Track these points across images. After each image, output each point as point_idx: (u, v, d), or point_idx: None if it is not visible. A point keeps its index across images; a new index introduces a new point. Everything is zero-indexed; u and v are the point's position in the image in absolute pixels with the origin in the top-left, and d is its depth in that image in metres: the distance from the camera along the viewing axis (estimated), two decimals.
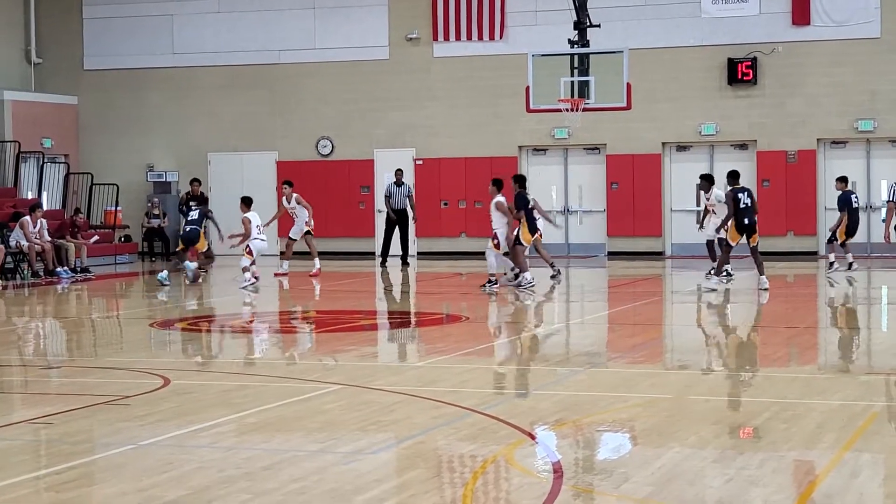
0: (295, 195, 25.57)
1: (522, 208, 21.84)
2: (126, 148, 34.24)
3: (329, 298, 21.99)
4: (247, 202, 24.18)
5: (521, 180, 22.63)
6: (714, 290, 20.69)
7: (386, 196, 29.11)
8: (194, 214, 24.45)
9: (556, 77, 23.83)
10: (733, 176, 21.24)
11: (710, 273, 21.57)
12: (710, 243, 23.82)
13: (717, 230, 22.25)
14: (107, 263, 30.17)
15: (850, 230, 25.10)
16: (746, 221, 20.50)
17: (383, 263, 28.59)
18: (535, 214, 22.51)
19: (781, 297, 20.98)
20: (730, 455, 8.31)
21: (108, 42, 34.46)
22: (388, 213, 28.98)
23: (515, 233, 21.71)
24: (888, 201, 17.20)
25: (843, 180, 25.62)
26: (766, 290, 20.41)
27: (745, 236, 20.57)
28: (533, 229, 22.11)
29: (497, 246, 21.77)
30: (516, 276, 21.92)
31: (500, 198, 22.01)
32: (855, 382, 11.50)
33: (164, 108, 34.13)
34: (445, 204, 31.51)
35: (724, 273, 22.14)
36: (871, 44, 29.59)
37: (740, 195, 20.60)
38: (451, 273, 26.41)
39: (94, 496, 7.54)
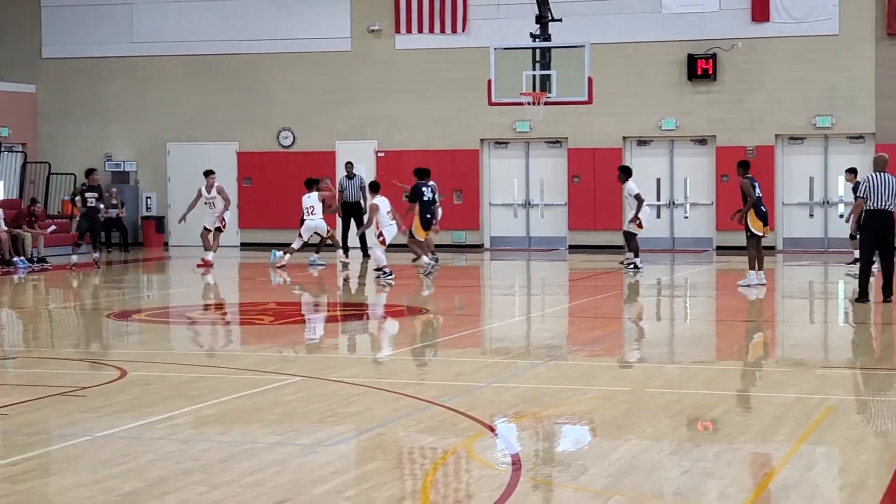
0: (217, 185, 25.62)
1: (416, 200, 22.73)
2: (84, 137, 34.02)
3: (289, 290, 21.93)
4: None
5: (420, 174, 23.43)
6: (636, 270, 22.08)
7: (339, 190, 28.99)
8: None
9: (518, 70, 23.86)
10: (743, 166, 21.00)
11: (624, 262, 23.14)
12: (627, 234, 24.42)
13: (632, 221, 23.43)
14: (64, 254, 29.94)
15: None
16: (763, 209, 20.61)
17: (345, 256, 28.51)
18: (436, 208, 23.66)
19: (739, 292, 21.09)
20: (686, 447, 8.35)
21: (66, 30, 34.22)
22: (340, 206, 28.81)
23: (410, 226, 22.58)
24: (857, 197, 17.34)
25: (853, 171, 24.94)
26: (749, 286, 20.51)
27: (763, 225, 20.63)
28: (426, 224, 22.78)
29: (382, 242, 22.46)
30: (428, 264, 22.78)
31: (375, 200, 22.64)
32: (811, 376, 11.58)
33: (124, 98, 33.93)
34: (407, 196, 31.46)
35: (631, 264, 23.54)
36: (830, 40, 29.77)
37: (754, 183, 20.56)
38: (411, 265, 26.37)
39: (49, 487, 7.50)
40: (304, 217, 25.10)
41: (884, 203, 17.00)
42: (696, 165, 31.02)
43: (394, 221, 22.77)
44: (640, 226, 24.06)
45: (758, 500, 7.11)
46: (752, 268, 20.55)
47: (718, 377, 11.63)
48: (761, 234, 20.58)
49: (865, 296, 17.24)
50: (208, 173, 26.19)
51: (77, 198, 25.75)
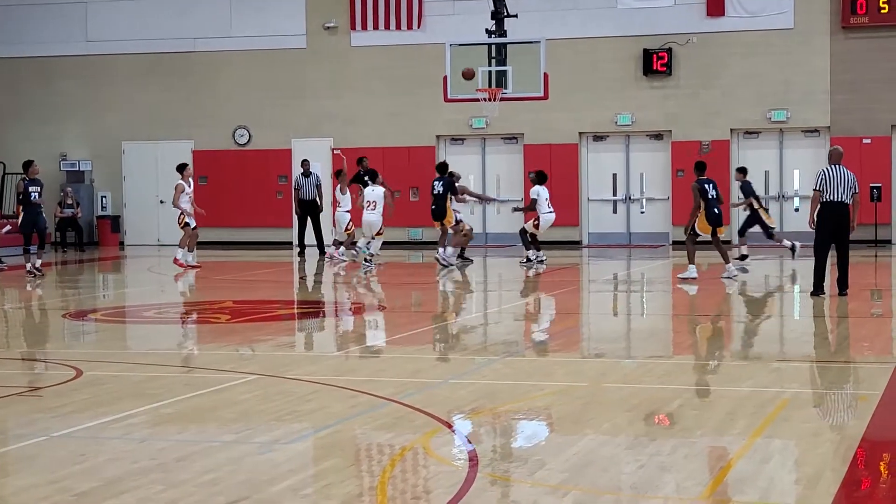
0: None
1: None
2: (39, 137, 33.80)
3: (246, 288, 21.87)
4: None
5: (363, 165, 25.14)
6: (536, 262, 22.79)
7: (295, 188, 28.93)
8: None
9: (473, 67, 23.89)
10: (699, 167, 21.02)
11: (525, 260, 23.89)
12: (523, 231, 24.87)
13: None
14: (19, 254, 29.73)
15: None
16: (716, 211, 20.59)
17: (301, 254, 28.47)
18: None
19: (694, 286, 21.20)
20: (643, 442, 8.39)
21: (18, 29, 33.97)
22: (296, 205, 28.74)
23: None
24: (814, 190, 17.42)
25: (743, 171, 25.20)
26: (731, 277, 20.64)
27: (713, 227, 20.61)
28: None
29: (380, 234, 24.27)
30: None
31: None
32: (766, 370, 11.65)
33: (78, 97, 33.73)
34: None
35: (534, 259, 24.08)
36: (785, 35, 29.96)
37: (707, 186, 20.60)
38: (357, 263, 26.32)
39: (5, 488, 7.45)
40: (365, 210, 24.19)
41: (839, 195, 17.13)
42: (652, 160, 31.15)
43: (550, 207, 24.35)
44: (537, 227, 24.50)
45: (714, 493, 7.15)
46: (691, 262, 20.65)
47: (674, 371, 11.69)
48: (706, 235, 20.74)
49: (821, 289, 17.34)
50: (184, 167, 25.31)
51: (21, 196, 24.74)
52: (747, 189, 24.39)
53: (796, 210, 29.52)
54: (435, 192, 24.17)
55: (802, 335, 14.82)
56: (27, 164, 24.08)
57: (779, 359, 12.72)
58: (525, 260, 24.56)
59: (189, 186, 24.66)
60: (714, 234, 20.77)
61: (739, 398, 9.93)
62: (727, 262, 20.99)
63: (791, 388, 10.80)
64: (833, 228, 17.24)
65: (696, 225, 20.66)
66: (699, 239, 20.85)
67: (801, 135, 30.19)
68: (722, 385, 10.69)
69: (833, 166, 17.31)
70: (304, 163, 29.11)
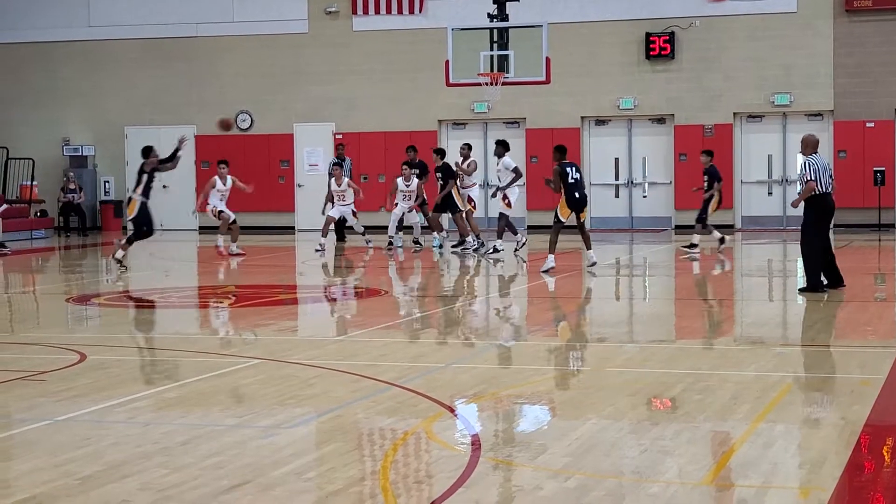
0: (230, 177, 24.72)
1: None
2: (42, 122, 33.80)
3: (248, 273, 21.87)
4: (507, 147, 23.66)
5: (440, 152, 24.38)
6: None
7: (329, 174, 28.35)
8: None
9: (475, 51, 23.89)
10: (559, 150, 20.30)
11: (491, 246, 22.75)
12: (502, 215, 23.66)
13: (494, 195, 22.53)
14: (22, 238, 29.80)
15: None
16: (577, 196, 19.93)
17: (341, 239, 28.01)
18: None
19: (697, 270, 21.21)
20: (645, 426, 8.39)
21: (21, 14, 33.94)
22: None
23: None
24: (808, 180, 16.69)
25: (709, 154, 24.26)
26: (594, 264, 20.24)
27: (575, 212, 19.96)
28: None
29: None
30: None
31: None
32: (769, 354, 11.65)
33: (81, 82, 33.71)
34: (365, 178, 31.39)
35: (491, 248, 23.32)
36: (788, 18, 29.91)
37: (568, 169, 19.90)
38: (362, 247, 26.32)
39: (9, 472, 7.46)
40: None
41: (825, 185, 16.45)
42: (655, 144, 31.14)
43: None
44: (509, 205, 23.48)
45: (717, 477, 7.15)
46: (551, 251, 20.19)
47: (677, 356, 11.69)
48: (565, 220, 20.11)
49: (820, 284, 16.95)
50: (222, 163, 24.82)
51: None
52: (714, 173, 23.59)
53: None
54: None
55: (805, 319, 14.81)
56: (148, 150, 21.85)
57: (782, 343, 12.72)
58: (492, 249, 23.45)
59: (223, 184, 24.35)
60: (577, 219, 20.18)
61: (743, 382, 9.94)
62: (589, 248, 20.43)
63: (794, 372, 10.80)
64: (823, 219, 16.60)
65: (558, 211, 20.04)
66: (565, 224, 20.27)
67: (804, 118, 30.15)
68: (725, 369, 10.69)
69: (815, 155, 16.58)
70: (339, 147, 28.54)
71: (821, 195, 16.24)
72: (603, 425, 8.44)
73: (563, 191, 19.82)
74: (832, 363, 11.50)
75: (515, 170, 23.13)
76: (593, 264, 20.26)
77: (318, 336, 13.93)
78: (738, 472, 7.27)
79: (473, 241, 23.71)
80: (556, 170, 19.98)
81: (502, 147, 23.35)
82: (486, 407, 9.28)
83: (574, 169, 20.09)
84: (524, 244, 23.71)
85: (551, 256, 20.04)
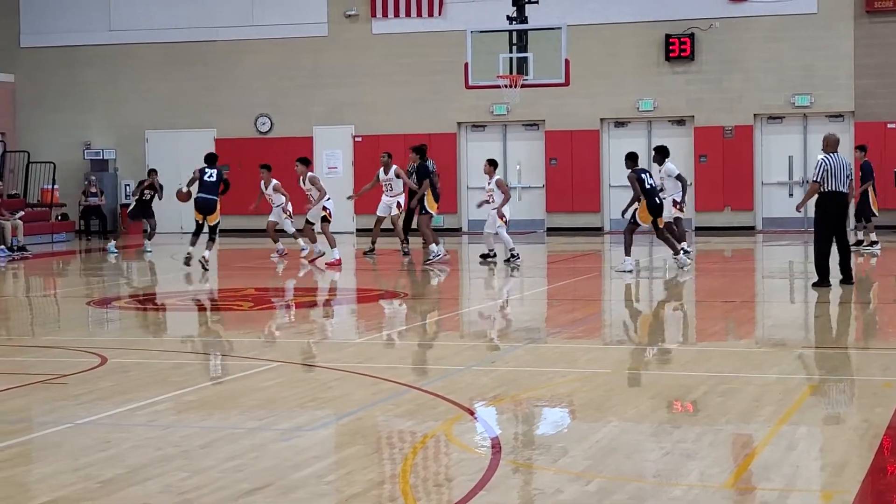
0: (273, 181, 24.64)
1: (426, 178, 22.55)
2: (63, 126, 33.92)
3: (268, 276, 21.89)
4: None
5: (421, 151, 23.29)
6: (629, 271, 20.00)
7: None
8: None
9: (494, 53, 23.84)
10: (631, 157, 20.27)
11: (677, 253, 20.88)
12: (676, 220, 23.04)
13: (624, 213, 21.26)
14: (44, 242, 29.90)
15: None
16: (658, 201, 19.88)
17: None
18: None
19: (718, 272, 21.16)
20: (667, 429, 8.36)
21: (44, 19, 34.07)
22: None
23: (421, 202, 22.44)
24: (813, 181, 16.90)
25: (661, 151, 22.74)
26: (683, 267, 20.10)
27: (653, 217, 19.80)
28: (437, 197, 22.66)
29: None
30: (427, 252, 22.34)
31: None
32: (791, 356, 11.60)
33: (102, 86, 33.82)
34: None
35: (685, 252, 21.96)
36: (808, 19, 29.81)
37: (643, 175, 19.87)
38: (390, 250, 26.33)
39: (30, 475, 7.48)
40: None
41: (839, 185, 16.69)
42: (675, 146, 30.95)
43: None
44: (681, 209, 22.08)
45: (739, 480, 7.12)
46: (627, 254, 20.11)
47: (699, 358, 11.65)
48: (644, 225, 19.85)
49: (826, 280, 17.07)
50: (265, 168, 24.66)
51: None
52: (868, 169, 23.69)
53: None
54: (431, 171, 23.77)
55: (828, 322, 14.75)
56: (212, 157, 22.59)
57: (804, 345, 12.67)
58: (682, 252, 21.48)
59: (265, 187, 24.40)
60: (655, 223, 19.97)
61: (764, 385, 9.89)
62: (676, 252, 20.26)
63: (816, 374, 10.76)
64: (834, 219, 16.86)
65: (636, 215, 19.91)
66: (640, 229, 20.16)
67: (825, 119, 30.05)
68: (747, 372, 10.64)
69: (831, 154, 16.82)
70: (423, 147, 28.26)
71: (830, 193, 16.49)
72: (624, 428, 8.41)
73: (643, 197, 19.69)
74: (854, 365, 11.44)
75: (679, 176, 22.07)
76: (682, 267, 20.10)
77: (338, 339, 13.92)
78: (760, 475, 7.23)
79: (438, 249, 22.63)
80: (632, 177, 19.91)
81: (661, 154, 22.34)
82: (506, 409, 9.26)
83: (648, 175, 20.08)
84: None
85: (628, 259, 20.03)
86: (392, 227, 24.24)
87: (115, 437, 8.31)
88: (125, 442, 8.17)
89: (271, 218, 24.55)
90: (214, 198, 21.81)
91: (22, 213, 29.12)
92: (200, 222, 21.94)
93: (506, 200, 21.93)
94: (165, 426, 8.71)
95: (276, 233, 24.53)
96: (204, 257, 21.46)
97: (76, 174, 33.44)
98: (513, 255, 21.62)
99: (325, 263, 22.44)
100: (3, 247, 26.19)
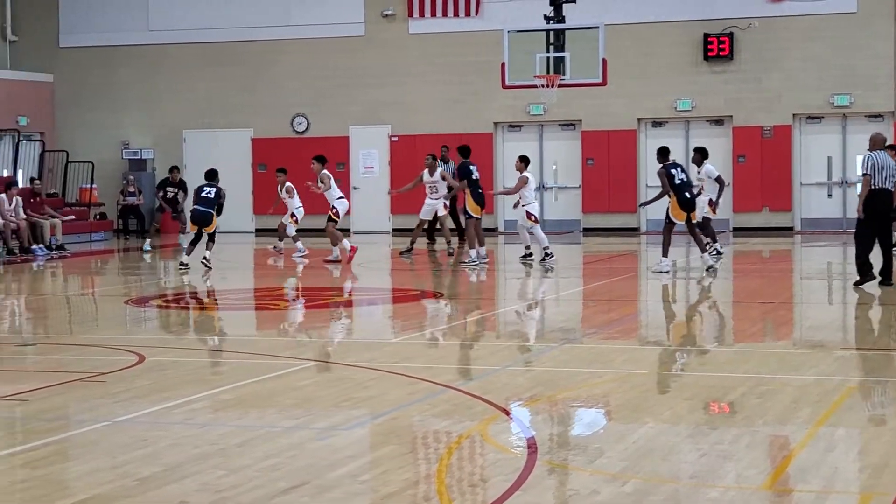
0: (287, 184, 24.71)
1: (465, 178, 21.83)
2: (101, 125, 34.09)
3: (304, 275, 21.94)
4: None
5: (465, 152, 22.59)
6: (665, 272, 19.83)
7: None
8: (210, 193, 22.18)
9: (531, 53, 23.79)
10: (662, 153, 20.19)
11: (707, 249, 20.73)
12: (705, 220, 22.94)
13: (643, 205, 21.01)
14: (82, 241, 30.06)
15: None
16: (688, 196, 19.67)
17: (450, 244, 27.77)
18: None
19: (756, 273, 21.07)
20: (704, 430, 8.32)
21: (83, 19, 34.27)
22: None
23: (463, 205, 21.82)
24: (864, 174, 17.00)
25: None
26: (711, 268, 19.89)
27: (686, 213, 19.62)
28: (480, 200, 21.78)
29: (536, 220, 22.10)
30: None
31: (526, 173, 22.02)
32: (830, 357, 11.54)
33: (140, 86, 33.97)
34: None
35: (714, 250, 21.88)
36: (848, 18, 29.63)
37: (674, 171, 19.68)
38: (427, 249, 26.36)
39: (68, 473, 7.52)
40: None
41: (885, 182, 16.78)
42: (713, 146, 30.82)
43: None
44: (714, 210, 22.36)
45: (777, 482, 7.08)
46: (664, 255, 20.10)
47: (736, 359, 11.59)
48: (679, 222, 19.62)
49: (868, 275, 17.04)
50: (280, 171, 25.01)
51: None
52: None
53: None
54: (474, 176, 22.24)
55: (866, 323, 14.66)
56: (212, 174, 22.59)
57: (842, 346, 12.59)
58: (713, 251, 21.69)
59: (280, 190, 24.79)
60: (688, 220, 19.76)
61: (802, 386, 9.84)
62: (703, 251, 20.13)
63: (855, 376, 10.69)
64: (878, 217, 16.91)
65: (669, 213, 19.72)
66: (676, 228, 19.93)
67: (864, 119, 29.85)
68: (784, 373, 10.58)
69: (877, 152, 16.95)
70: (444, 149, 28.42)
71: (876, 190, 16.60)
72: (661, 429, 8.38)
73: (672, 193, 19.53)
74: (893, 367, 11.36)
75: (718, 178, 22.13)
76: (710, 268, 19.92)
77: (374, 338, 13.94)
78: (797, 476, 7.19)
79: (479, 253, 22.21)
80: (662, 172, 19.81)
81: (701, 154, 22.42)
82: (541, 410, 9.24)
83: (679, 169, 19.88)
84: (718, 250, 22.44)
85: (665, 259, 19.90)
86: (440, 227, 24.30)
87: (153, 436, 8.34)
88: (162, 440, 8.21)
89: (284, 220, 24.76)
90: (210, 211, 22.00)
91: (69, 217, 29.28)
92: (198, 233, 22.18)
93: (516, 189, 21.72)
94: (202, 425, 8.74)
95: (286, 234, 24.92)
96: (205, 257, 21.57)
97: (114, 174, 33.60)
98: (547, 255, 21.59)
99: (323, 260, 22.69)
100: (41, 245, 26.36)
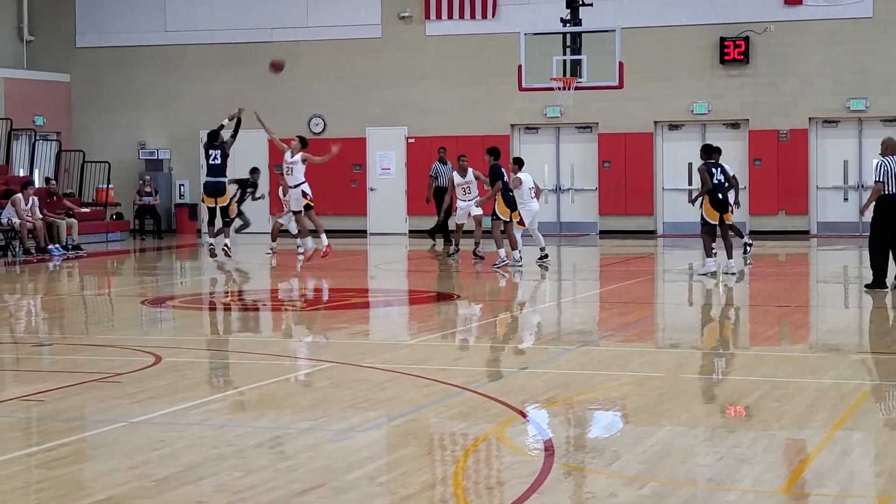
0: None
1: (498, 180, 21.18)
2: (118, 125, 34.17)
3: (320, 276, 21.96)
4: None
5: (496, 154, 22.01)
6: (712, 273, 19.86)
7: (432, 176, 28.27)
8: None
9: (548, 56, 23.78)
10: (706, 150, 20.08)
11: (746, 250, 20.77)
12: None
13: (692, 201, 20.74)
14: (98, 241, 30.14)
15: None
16: (721, 196, 19.62)
17: (448, 243, 27.97)
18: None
19: (773, 276, 21.03)
20: (721, 434, 8.31)
21: (100, 19, 34.36)
22: (430, 192, 27.99)
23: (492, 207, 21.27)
24: (875, 181, 17.03)
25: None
26: (734, 274, 19.89)
27: (719, 213, 19.58)
28: (511, 203, 21.23)
29: (521, 223, 21.64)
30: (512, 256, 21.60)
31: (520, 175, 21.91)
32: (846, 361, 11.51)
33: (157, 86, 34.05)
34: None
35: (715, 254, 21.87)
36: (864, 23, 29.57)
37: (714, 170, 19.59)
38: (431, 252, 26.36)
39: (85, 473, 7.54)
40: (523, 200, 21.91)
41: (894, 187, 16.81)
42: (729, 149, 30.79)
43: (534, 199, 22.00)
44: (521, 223, 21.69)
45: (794, 486, 7.07)
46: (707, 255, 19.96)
47: (753, 363, 11.57)
48: (714, 222, 19.58)
49: (882, 282, 17.04)
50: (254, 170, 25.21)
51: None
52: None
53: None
54: (505, 178, 21.55)
55: (883, 327, 14.62)
56: (213, 135, 22.92)
57: (859, 350, 12.56)
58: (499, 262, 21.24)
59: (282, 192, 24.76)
60: (721, 220, 19.72)
61: (819, 390, 9.82)
62: (730, 256, 20.01)
63: (871, 380, 10.67)
64: (890, 221, 16.91)
65: (703, 214, 19.66)
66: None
67: (880, 124, 29.78)
68: (801, 377, 10.57)
69: (889, 157, 16.91)
70: (441, 150, 28.71)
71: (888, 195, 16.58)
72: (678, 432, 8.37)
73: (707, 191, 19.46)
74: None
75: (734, 177, 21.87)
76: (733, 274, 19.86)
77: (391, 339, 13.94)
78: (814, 480, 7.18)
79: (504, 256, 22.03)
80: (702, 168, 19.71)
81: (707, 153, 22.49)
82: (558, 412, 9.24)
83: (719, 170, 19.73)
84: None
85: (710, 260, 19.82)
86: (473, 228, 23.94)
87: (170, 436, 8.36)
88: (179, 441, 8.22)
89: (281, 219, 24.73)
90: (222, 180, 22.01)
91: (75, 214, 29.32)
92: (212, 206, 22.11)
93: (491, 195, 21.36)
94: (219, 425, 8.76)
95: (280, 233, 24.82)
96: (226, 245, 21.64)
97: (131, 173, 33.67)
98: (512, 261, 21.09)
99: (319, 253, 22.31)
100: (57, 245, 26.43)
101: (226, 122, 23.05)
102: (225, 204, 22.28)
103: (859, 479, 7.18)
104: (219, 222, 22.85)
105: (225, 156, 22.14)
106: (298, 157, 22.36)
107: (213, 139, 22.43)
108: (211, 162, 22.12)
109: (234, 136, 22.31)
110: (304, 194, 22.35)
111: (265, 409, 9.34)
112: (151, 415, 9.09)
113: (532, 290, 19.43)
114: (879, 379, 10.83)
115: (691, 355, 12.30)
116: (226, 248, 21.72)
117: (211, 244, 22.19)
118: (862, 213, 17.27)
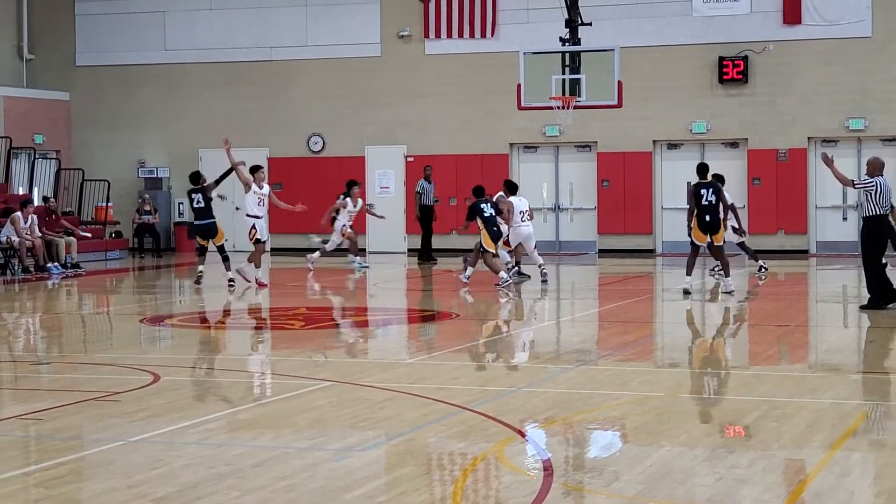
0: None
1: (472, 219, 21.52)
2: (117, 144, 34.20)
3: (319, 295, 21.95)
4: (511, 187, 22.55)
5: (478, 192, 22.06)
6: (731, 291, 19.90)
7: (418, 192, 28.70)
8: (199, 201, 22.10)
9: (547, 75, 23.80)
10: (700, 170, 20.09)
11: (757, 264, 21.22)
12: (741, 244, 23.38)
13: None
14: (97, 259, 30.13)
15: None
16: (708, 219, 19.52)
17: (431, 260, 28.36)
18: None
19: (772, 296, 21.03)
20: (720, 454, 8.30)
21: (100, 38, 34.40)
22: (417, 210, 28.60)
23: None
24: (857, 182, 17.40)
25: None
26: (731, 292, 19.88)
27: (709, 235, 19.57)
28: (495, 236, 21.32)
29: (507, 244, 21.98)
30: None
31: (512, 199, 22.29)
32: (845, 381, 11.50)
33: (156, 105, 34.09)
34: (436, 201, 31.40)
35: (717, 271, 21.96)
36: (863, 43, 29.62)
37: (703, 191, 19.53)
38: (442, 270, 26.37)
39: (83, 492, 7.52)
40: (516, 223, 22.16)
41: (882, 209, 17.07)
42: (728, 168, 30.79)
43: (526, 222, 22.22)
44: (507, 242, 22.12)
45: None
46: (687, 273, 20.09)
47: (752, 382, 11.56)
48: (701, 244, 19.74)
49: (877, 301, 17.13)
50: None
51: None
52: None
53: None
54: (486, 214, 21.45)
55: (882, 346, 14.61)
56: (195, 177, 22.94)
57: (858, 370, 12.55)
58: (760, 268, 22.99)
59: (354, 205, 25.61)
60: (710, 243, 19.70)
61: (818, 410, 9.81)
62: (727, 274, 20.02)
63: (870, 400, 10.65)
64: (883, 240, 17.16)
65: (692, 235, 19.69)
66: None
67: (879, 143, 29.81)
68: (800, 397, 10.56)
69: (879, 177, 17.16)
70: (427, 168, 29.03)
71: (875, 216, 16.72)
72: (677, 452, 8.36)
73: (695, 213, 19.51)
74: None
75: (731, 206, 21.99)
76: (730, 292, 19.87)
77: (390, 359, 13.93)
78: (813, 501, 7.17)
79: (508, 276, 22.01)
80: (691, 189, 19.75)
81: (510, 188, 22.80)
82: (557, 432, 9.23)
83: (710, 191, 19.62)
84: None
85: (688, 278, 20.01)
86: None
87: (168, 455, 8.35)
88: (177, 460, 8.21)
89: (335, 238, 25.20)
90: (213, 220, 22.03)
91: (74, 233, 29.32)
92: (206, 246, 22.18)
93: (509, 216, 21.78)
94: (217, 445, 8.75)
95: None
96: (231, 279, 21.62)
97: (130, 192, 33.69)
98: (499, 284, 21.01)
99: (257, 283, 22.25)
100: (56, 263, 26.42)
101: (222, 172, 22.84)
102: (220, 243, 22.28)
103: (859, 500, 7.16)
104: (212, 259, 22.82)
105: (208, 199, 22.18)
106: (267, 188, 22.58)
107: (195, 182, 22.47)
108: (195, 206, 22.20)
109: (217, 182, 22.34)
110: (254, 227, 22.38)
111: (264, 429, 9.33)
112: (150, 434, 9.07)
113: (531, 310, 19.41)
114: (879, 399, 10.82)
115: (690, 375, 12.29)
116: (230, 282, 21.68)
117: (231, 280, 22.02)
118: (825, 161, 17.44)
